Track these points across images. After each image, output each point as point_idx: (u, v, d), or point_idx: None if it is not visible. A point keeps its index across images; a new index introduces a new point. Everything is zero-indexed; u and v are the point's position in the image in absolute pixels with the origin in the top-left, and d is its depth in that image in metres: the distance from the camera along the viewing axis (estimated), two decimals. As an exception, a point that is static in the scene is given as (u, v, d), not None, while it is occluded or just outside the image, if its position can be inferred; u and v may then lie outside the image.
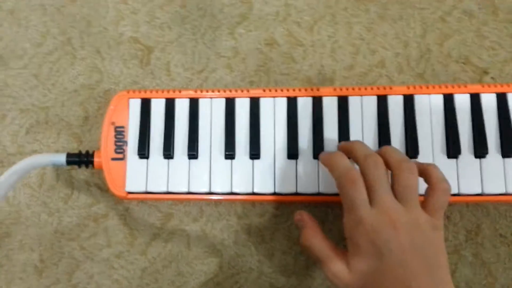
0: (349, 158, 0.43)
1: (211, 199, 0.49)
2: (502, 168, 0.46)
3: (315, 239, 0.42)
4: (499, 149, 0.47)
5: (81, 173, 0.53)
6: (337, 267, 0.40)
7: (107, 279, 0.50)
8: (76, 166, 0.52)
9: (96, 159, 0.50)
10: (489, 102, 0.48)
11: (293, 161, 0.48)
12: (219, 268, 0.50)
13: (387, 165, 0.41)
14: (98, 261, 0.50)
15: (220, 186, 0.48)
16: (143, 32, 0.55)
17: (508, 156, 0.46)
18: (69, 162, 0.50)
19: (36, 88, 0.54)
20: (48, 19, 0.56)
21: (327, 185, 0.47)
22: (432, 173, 0.41)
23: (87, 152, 0.50)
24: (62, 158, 0.50)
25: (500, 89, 0.48)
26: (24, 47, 0.55)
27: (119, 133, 0.50)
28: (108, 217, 0.51)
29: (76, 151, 0.51)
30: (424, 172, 0.41)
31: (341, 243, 0.48)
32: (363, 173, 0.41)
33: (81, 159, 0.50)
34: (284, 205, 0.50)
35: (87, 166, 0.51)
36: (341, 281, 0.40)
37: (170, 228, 0.51)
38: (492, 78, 0.51)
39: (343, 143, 0.46)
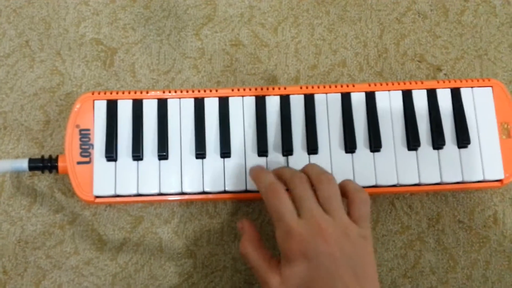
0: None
1: (182, 200, 0.49)
2: (458, 158, 0.50)
3: (252, 248, 0.42)
4: (455, 141, 0.50)
5: (44, 179, 0.51)
6: (269, 277, 0.40)
7: (77, 287, 0.48)
8: (38, 172, 0.50)
9: (60, 164, 0.48)
10: (444, 97, 0.51)
11: (263, 159, 0.49)
12: (193, 269, 0.49)
13: (310, 181, 0.43)
14: (66, 269, 0.49)
15: (192, 186, 0.48)
16: (106, 33, 0.54)
17: (463, 147, 0.50)
18: (31, 168, 0.48)
19: (-8, 92, 0.52)
20: (3, 20, 0.53)
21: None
22: (348, 185, 0.43)
23: (51, 156, 0.49)
24: (24, 164, 0.48)
25: (454, 85, 0.51)
26: (-22, 49, 0.53)
27: (84, 136, 0.49)
28: (75, 224, 0.50)
29: (38, 157, 0.49)
30: (341, 187, 0.43)
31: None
32: (291, 191, 0.42)
33: (45, 164, 0.48)
34: (256, 202, 0.51)
35: (50, 172, 0.49)
36: None
37: (141, 231, 0.50)
38: (445, 74, 0.55)
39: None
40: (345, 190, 0.43)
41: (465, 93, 0.51)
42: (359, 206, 0.42)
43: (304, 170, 0.44)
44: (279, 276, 0.39)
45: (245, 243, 0.43)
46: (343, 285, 0.37)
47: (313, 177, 0.43)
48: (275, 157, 0.49)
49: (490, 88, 0.51)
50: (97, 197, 0.48)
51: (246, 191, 0.48)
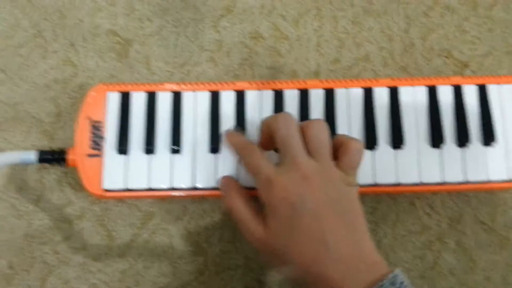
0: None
1: (195, 195, 0.47)
2: (483, 156, 0.47)
3: (239, 200, 0.41)
4: (481, 138, 0.47)
5: (53, 172, 0.49)
6: (253, 227, 0.39)
7: (84, 283, 0.46)
8: (47, 165, 0.49)
9: (69, 157, 0.47)
10: (470, 93, 0.48)
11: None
12: (204, 267, 0.47)
13: (301, 131, 0.41)
14: (74, 266, 0.47)
15: (205, 181, 0.46)
16: (121, 24, 0.53)
17: (489, 145, 0.47)
18: (40, 160, 0.47)
19: (4, 83, 0.51)
20: (18, 11, 0.52)
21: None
22: (343, 136, 0.41)
23: (60, 149, 0.47)
24: (32, 156, 0.46)
25: (481, 81, 0.49)
26: (-9, 39, 0.52)
27: (96, 128, 0.47)
28: (84, 219, 0.48)
29: (47, 149, 0.47)
30: (335, 140, 0.41)
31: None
32: (276, 134, 0.40)
33: (53, 156, 0.47)
34: (272, 200, 0.49)
35: (59, 164, 0.47)
36: (257, 240, 0.39)
37: (152, 227, 0.48)
38: (472, 71, 0.52)
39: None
40: (339, 141, 0.41)
41: (492, 90, 0.49)
42: (352, 155, 0.40)
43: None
44: (263, 225, 0.38)
45: (232, 196, 0.41)
46: (331, 229, 0.36)
47: (303, 123, 0.41)
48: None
49: (519, 85, 0.49)
50: (107, 190, 0.46)
51: (261, 188, 0.46)
